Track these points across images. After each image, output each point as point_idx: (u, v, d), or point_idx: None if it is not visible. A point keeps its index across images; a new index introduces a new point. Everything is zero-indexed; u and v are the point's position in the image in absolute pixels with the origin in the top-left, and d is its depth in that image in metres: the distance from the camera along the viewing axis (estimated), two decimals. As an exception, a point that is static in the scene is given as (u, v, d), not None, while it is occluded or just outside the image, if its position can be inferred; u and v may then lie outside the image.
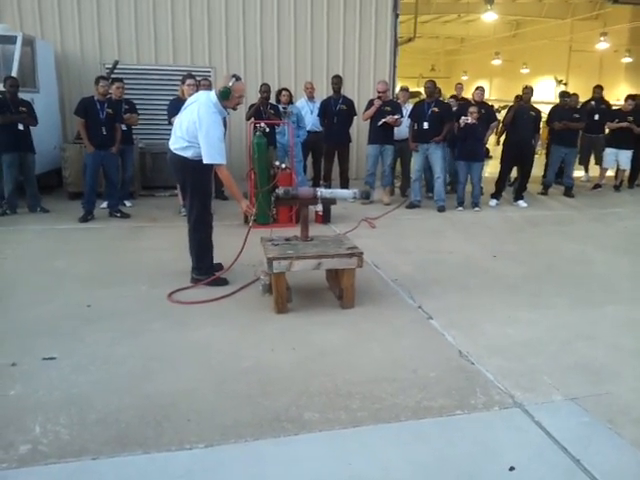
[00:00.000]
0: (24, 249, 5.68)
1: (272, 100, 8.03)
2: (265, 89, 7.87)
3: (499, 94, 22.97)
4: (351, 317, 3.96)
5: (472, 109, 7.88)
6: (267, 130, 6.97)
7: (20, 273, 4.89)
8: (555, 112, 9.36)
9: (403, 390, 2.95)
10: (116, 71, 8.78)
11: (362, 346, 3.49)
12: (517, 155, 8.45)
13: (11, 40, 8.01)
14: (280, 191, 4.39)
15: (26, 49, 8.12)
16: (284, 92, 8.15)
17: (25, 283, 4.61)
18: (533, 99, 8.62)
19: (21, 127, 6.99)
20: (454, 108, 8.68)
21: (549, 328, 3.85)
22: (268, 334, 3.65)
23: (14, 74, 7.44)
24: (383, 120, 8.05)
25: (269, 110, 7.80)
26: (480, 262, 5.47)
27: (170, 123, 6.52)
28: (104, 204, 7.30)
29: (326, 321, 3.87)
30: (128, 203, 7.85)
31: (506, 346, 3.54)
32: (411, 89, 13.23)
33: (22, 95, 7.23)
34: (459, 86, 9.88)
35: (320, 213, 6.79)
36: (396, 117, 8.09)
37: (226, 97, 4.30)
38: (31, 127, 7.15)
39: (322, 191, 4.49)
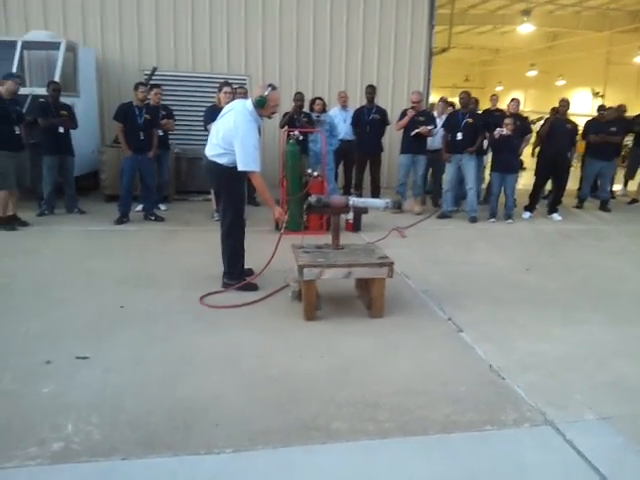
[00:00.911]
0: (61, 249, 5.83)
1: (306, 108, 8.09)
2: (299, 98, 7.93)
3: (534, 105, 22.63)
4: (380, 327, 3.94)
5: (507, 121, 7.80)
6: (300, 138, 7.04)
7: (56, 273, 5.01)
8: (591, 125, 9.19)
9: (432, 403, 2.92)
10: (154, 77, 8.97)
11: (391, 357, 3.47)
12: (552, 168, 8.32)
13: (55, 46, 8.28)
14: (312, 199, 4.41)
15: (69, 55, 8.38)
16: (318, 101, 8.21)
17: (61, 283, 4.72)
18: (569, 111, 8.49)
19: (62, 130, 7.18)
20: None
21: (583, 344, 3.77)
22: (297, 341, 3.66)
23: (57, 79, 7.67)
24: (416, 130, 8.03)
25: (303, 118, 7.86)
26: (512, 275, 5.39)
27: (206, 129, 6.64)
28: (139, 207, 7.45)
29: (355, 330, 3.86)
30: (163, 207, 7.99)
31: (538, 362, 3.48)
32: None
33: (64, 99, 7.44)
34: (494, 97, 9.77)
35: (351, 221, 6.77)
36: (429, 128, 8.07)
37: (262, 106, 4.37)
38: (71, 130, 7.35)
39: (354, 200, 4.49)
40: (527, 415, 2.85)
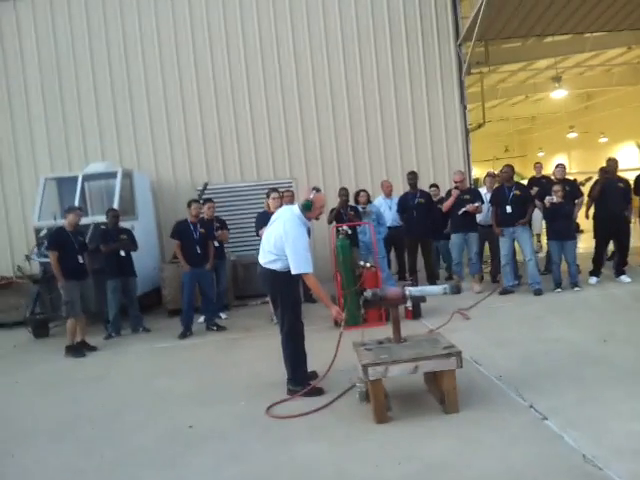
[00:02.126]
0: (128, 371, 5.94)
1: (350, 201, 8.25)
2: (344, 193, 8.14)
3: (579, 167, 22.31)
4: (456, 423, 3.72)
5: (556, 188, 7.68)
6: (349, 232, 7.13)
7: (123, 395, 5.06)
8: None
9: (526, 508, 2.67)
10: (206, 192, 9.44)
11: (473, 456, 3.24)
12: (610, 229, 8.03)
13: (112, 175, 8.91)
14: (368, 294, 4.36)
15: (125, 182, 8.97)
16: (362, 193, 8.40)
17: (128, 405, 4.76)
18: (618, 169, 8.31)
19: (123, 253, 7.52)
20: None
21: (685, 421, 3.43)
22: (370, 448, 3.49)
23: (115, 206, 8.17)
24: (463, 209, 8.02)
25: (349, 212, 8.00)
26: (591, 348, 5.07)
27: (258, 235, 6.82)
28: (201, 319, 7.58)
29: (430, 430, 3.66)
30: (223, 315, 8.10)
31: (636, 445, 3.17)
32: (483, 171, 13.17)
33: (123, 223, 7.88)
34: (538, 165, 9.71)
35: (410, 309, 6.65)
36: (476, 205, 8.05)
37: (308, 209, 4.49)
38: (132, 252, 7.69)
39: (410, 290, 4.41)
40: (636, 513, 2.56)
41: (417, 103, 10.87)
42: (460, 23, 10.84)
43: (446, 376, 3.86)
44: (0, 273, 9.78)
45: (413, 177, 8.82)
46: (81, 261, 6.79)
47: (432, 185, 9.62)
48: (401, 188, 9.65)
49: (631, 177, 9.25)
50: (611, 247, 8.64)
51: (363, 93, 10.78)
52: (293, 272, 4.40)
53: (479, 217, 8.38)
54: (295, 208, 4.58)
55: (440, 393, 3.96)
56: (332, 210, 8.14)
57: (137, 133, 10.52)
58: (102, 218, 7.90)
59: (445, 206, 8.34)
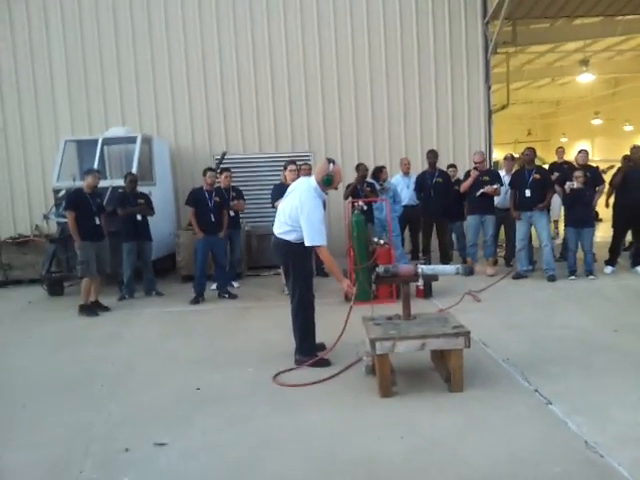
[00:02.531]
0: (139, 332, 6.04)
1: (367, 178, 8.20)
2: (363, 168, 8.07)
3: (603, 154, 21.89)
4: (461, 402, 3.74)
5: (577, 173, 7.56)
6: (365, 208, 7.11)
7: (135, 356, 5.16)
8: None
9: (525, 487, 2.70)
10: (224, 161, 9.44)
11: (475, 436, 3.26)
12: (630, 218, 7.91)
13: (132, 140, 8.94)
14: (380, 270, 4.37)
15: (145, 147, 9.00)
16: (384, 169, 8.34)
17: (140, 366, 4.85)
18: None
19: (139, 218, 7.60)
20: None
21: (690, 413, 3.42)
22: (374, 420, 3.53)
23: (134, 170, 8.21)
24: (481, 190, 7.94)
25: (366, 188, 7.95)
26: (601, 337, 5.04)
27: (274, 207, 6.83)
28: (213, 286, 7.65)
29: (434, 406, 3.69)
30: (236, 284, 8.17)
31: (639, 435, 3.16)
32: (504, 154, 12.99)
33: (141, 188, 7.93)
34: (560, 150, 9.55)
35: (421, 287, 6.65)
36: (495, 187, 7.96)
37: (330, 184, 4.49)
38: (148, 217, 7.76)
39: (423, 268, 4.40)
40: (635, 499, 2.57)
41: (440, 81, 10.69)
42: (488, 1, 10.57)
43: (453, 355, 3.88)
44: (18, 231, 9.95)
45: (433, 156, 8.74)
46: (97, 223, 6.88)
47: (450, 165, 9.50)
48: (420, 166, 9.55)
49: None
50: (629, 237, 8.52)
51: (386, 69, 10.61)
52: (307, 244, 4.42)
53: (496, 200, 8.29)
54: (312, 180, 4.57)
55: (446, 371, 3.98)
56: (349, 185, 8.10)
57: (158, 100, 10.49)
58: (120, 182, 7.96)
59: (463, 187, 8.26)
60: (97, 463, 3.16)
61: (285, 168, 7.28)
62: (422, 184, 8.63)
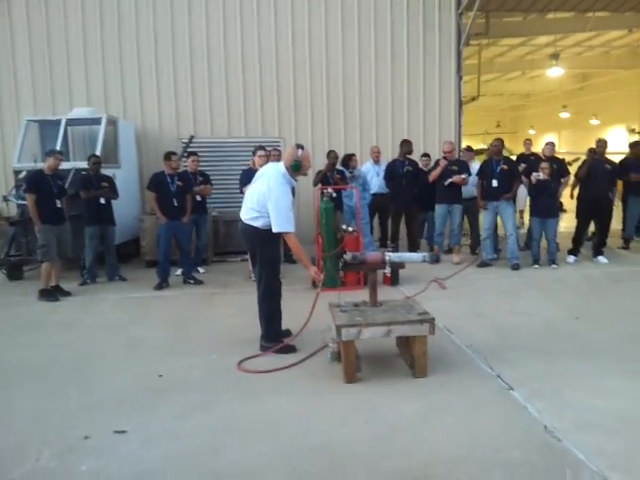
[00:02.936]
0: (101, 318, 5.90)
1: (338, 165, 8.18)
2: (333, 155, 8.04)
3: (569, 146, 22.33)
4: (424, 387, 3.77)
5: (543, 165, 7.68)
6: (334, 195, 7.07)
7: (97, 343, 5.04)
8: (629, 163, 8.96)
9: (484, 472, 2.73)
10: (191, 144, 9.27)
11: (437, 421, 3.29)
12: (594, 210, 8.10)
13: (97, 121, 8.70)
14: (348, 256, 4.36)
15: (110, 128, 8.77)
16: (354, 157, 8.31)
17: (101, 353, 4.74)
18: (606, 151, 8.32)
19: (103, 201, 7.42)
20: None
21: (645, 399, 3.51)
22: (338, 406, 3.53)
23: (98, 152, 8.00)
24: (450, 180, 7.99)
25: (336, 175, 7.93)
26: (562, 324, 5.15)
27: (242, 192, 6.74)
28: (178, 271, 7.54)
29: (398, 392, 3.70)
30: (202, 269, 8.07)
31: (597, 420, 3.24)
32: (476, 146, 13.19)
33: (105, 171, 7.73)
34: (527, 142, 9.68)
35: (388, 275, 6.69)
36: (463, 177, 8.03)
37: (298, 170, 4.45)
38: (112, 200, 7.58)
39: (390, 255, 4.42)
40: (590, 482, 2.63)
41: (413, 70, 10.67)
42: (463, -9, 10.59)
43: (418, 341, 3.90)
44: (-23, 213, 9.62)
45: (408, 146, 8.70)
46: (59, 205, 6.68)
47: (424, 154, 9.52)
48: (390, 155, 9.57)
49: (618, 160, 9.29)
50: (592, 228, 8.71)
51: (359, 56, 10.54)
52: (274, 230, 4.37)
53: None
54: (281, 166, 4.50)
55: (410, 358, 4.00)
56: (319, 172, 8.07)
57: (125, 80, 10.19)
58: (84, 164, 7.74)
59: (432, 176, 8.30)
60: (55, 451, 3.07)
61: (254, 153, 7.19)
62: (392, 172, 8.64)
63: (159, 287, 7.02)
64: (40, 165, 7.15)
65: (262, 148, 7.17)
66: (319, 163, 8.27)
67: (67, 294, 6.75)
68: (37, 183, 6.60)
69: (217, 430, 3.25)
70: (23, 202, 7.28)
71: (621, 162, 9.01)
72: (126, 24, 10.13)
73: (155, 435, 3.21)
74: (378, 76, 10.62)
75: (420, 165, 8.97)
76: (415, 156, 9.10)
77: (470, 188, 8.34)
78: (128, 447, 3.09)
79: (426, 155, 9.50)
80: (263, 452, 2.99)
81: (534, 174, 7.66)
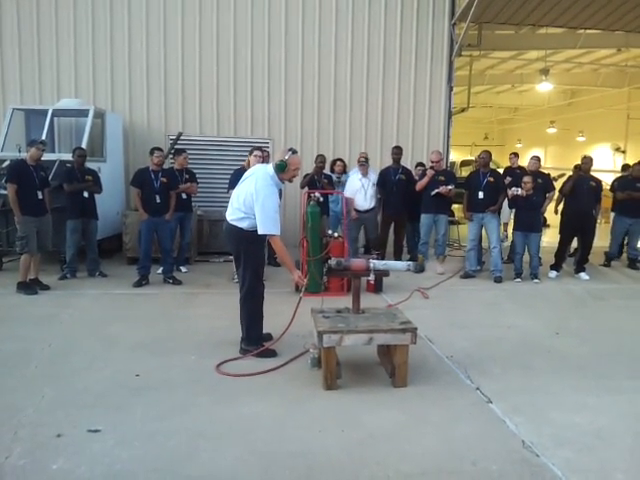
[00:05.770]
0: (80, 314, 5.80)
1: (326, 170, 8.14)
2: (320, 159, 8.01)
3: (555, 162, 22.62)
4: (404, 397, 3.75)
5: (526, 179, 7.73)
6: (321, 199, 7.04)
7: (74, 339, 4.94)
8: (619, 182, 9.09)
9: (462, 485, 2.72)
10: (179, 142, 9.18)
11: (416, 431, 3.27)
12: (577, 226, 8.18)
13: (84, 113, 8.59)
14: (332, 262, 4.33)
15: (97, 121, 8.65)
16: (338, 162, 8.28)
17: (78, 349, 4.65)
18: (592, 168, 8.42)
19: (86, 195, 7.31)
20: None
21: (622, 416, 3.54)
22: (316, 413, 3.50)
23: (84, 145, 7.89)
24: (436, 190, 8.00)
25: (323, 179, 7.90)
26: (542, 339, 5.17)
27: (229, 192, 6.65)
28: (160, 270, 7.45)
29: (377, 400, 3.68)
30: (184, 269, 7.98)
31: (574, 436, 3.25)
32: (463, 158, 13.23)
33: (90, 164, 7.62)
34: (512, 156, 9.73)
35: (372, 282, 6.68)
36: (449, 187, 8.03)
37: (282, 170, 4.39)
38: (96, 194, 7.47)
39: (375, 263, 4.39)
40: (566, 499, 2.63)
41: (404, 78, 10.70)
42: (457, 2, 10.66)
43: (399, 350, 3.88)
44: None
45: (398, 152, 8.69)
46: (40, 197, 6.57)
47: (419, 164, 9.44)
48: (378, 162, 9.56)
49: (604, 178, 9.44)
50: (574, 244, 8.80)
51: (351, 62, 10.53)
52: (260, 232, 4.33)
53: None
54: (269, 167, 4.47)
55: (391, 366, 3.99)
56: (306, 175, 8.04)
57: (114, 72, 10.07)
58: (69, 156, 7.62)
59: (419, 185, 8.28)
60: (26, 449, 3.00)
61: (250, 153, 7.03)
62: (385, 180, 8.58)
63: (138, 284, 6.92)
64: (24, 155, 7.02)
65: (259, 149, 7.02)
66: (307, 167, 8.24)
67: (46, 288, 6.63)
68: (19, 173, 6.48)
69: (193, 433, 3.20)
70: (4, 192, 7.15)
71: (613, 181, 9.20)
72: (118, 16, 10.01)
73: (129, 435, 3.15)
74: (369, 83, 10.61)
75: (414, 174, 8.91)
76: (408, 164, 9.06)
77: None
78: (101, 446, 3.03)
79: (421, 164, 9.41)
80: (238, 457, 2.95)
81: (513, 189, 7.71)
